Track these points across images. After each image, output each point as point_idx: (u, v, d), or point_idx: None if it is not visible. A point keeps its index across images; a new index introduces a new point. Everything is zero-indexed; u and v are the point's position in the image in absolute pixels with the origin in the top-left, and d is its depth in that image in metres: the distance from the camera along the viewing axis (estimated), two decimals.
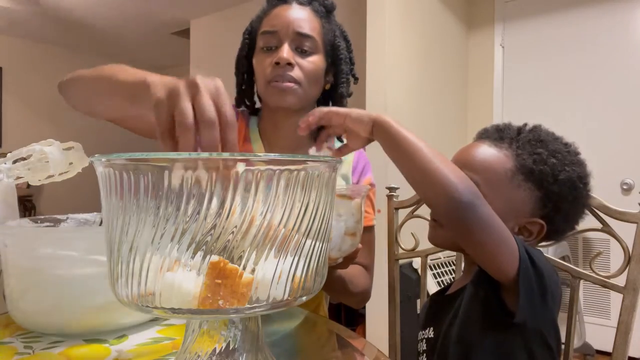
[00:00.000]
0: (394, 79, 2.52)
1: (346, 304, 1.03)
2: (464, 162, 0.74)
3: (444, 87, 2.96)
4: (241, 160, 0.39)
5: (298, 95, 0.94)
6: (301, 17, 0.93)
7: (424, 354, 0.77)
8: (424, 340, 0.78)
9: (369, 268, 1.02)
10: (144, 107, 0.59)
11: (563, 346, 0.89)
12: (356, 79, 1.05)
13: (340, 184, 1.01)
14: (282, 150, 1.01)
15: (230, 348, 0.45)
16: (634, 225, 0.80)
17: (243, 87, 1.04)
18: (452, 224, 0.64)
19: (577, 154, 0.75)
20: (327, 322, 0.77)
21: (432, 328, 0.77)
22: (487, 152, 0.73)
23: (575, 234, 0.89)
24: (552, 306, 0.66)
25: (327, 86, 1.01)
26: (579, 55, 2.76)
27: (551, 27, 2.86)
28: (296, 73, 0.92)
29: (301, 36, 0.92)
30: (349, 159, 1.03)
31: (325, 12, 0.99)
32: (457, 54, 3.10)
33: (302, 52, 0.93)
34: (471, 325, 0.69)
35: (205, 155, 0.39)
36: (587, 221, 0.87)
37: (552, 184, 0.70)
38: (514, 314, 0.63)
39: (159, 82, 0.56)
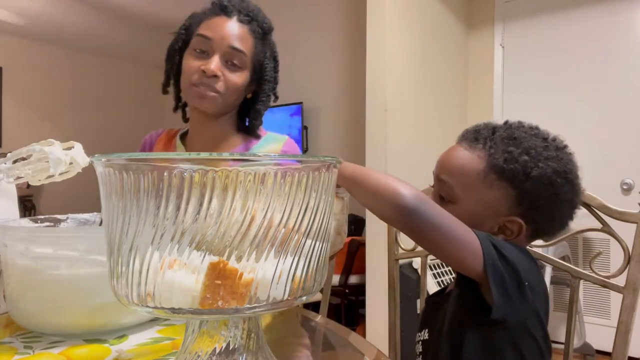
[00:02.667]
0: (393, 79, 2.52)
1: None
2: (441, 166, 0.75)
3: (444, 87, 2.96)
4: (241, 160, 0.39)
5: (216, 103, 0.99)
6: (238, 34, 0.98)
7: (420, 356, 0.78)
8: (420, 342, 0.79)
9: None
10: None
11: (562, 346, 0.89)
12: (276, 97, 1.11)
13: None
14: (203, 146, 1.07)
15: (230, 348, 0.45)
16: (634, 225, 0.80)
17: (170, 78, 1.09)
18: (404, 230, 0.65)
19: (558, 148, 0.72)
20: (299, 310, 0.78)
21: (426, 330, 0.78)
22: (461, 155, 0.73)
23: (575, 234, 0.89)
24: (532, 298, 0.65)
25: (249, 95, 1.08)
26: (579, 55, 2.76)
27: (551, 27, 2.86)
28: (220, 85, 0.98)
29: (233, 50, 0.98)
30: (277, 148, 1.10)
31: (262, 34, 1.04)
32: (457, 54, 3.10)
33: (232, 65, 0.99)
34: (457, 324, 0.69)
35: (205, 155, 0.39)
36: (587, 221, 0.86)
37: (524, 182, 0.69)
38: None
39: None
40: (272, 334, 0.66)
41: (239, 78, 1.00)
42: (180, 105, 1.12)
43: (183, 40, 1.04)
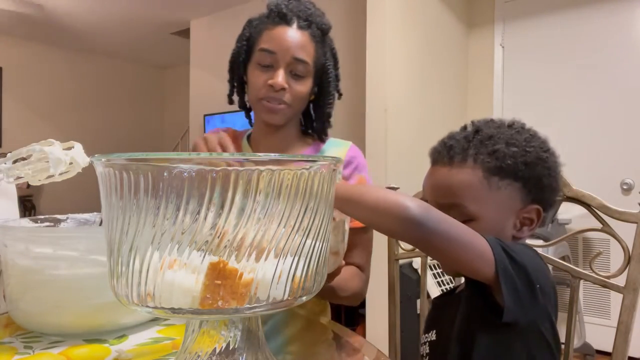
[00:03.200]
0: (393, 79, 2.52)
1: (338, 303, 1.05)
2: (438, 193, 0.74)
3: (444, 87, 2.96)
4: (241, 160, 0.39)
5: (286, 115, 1.01)
6: (300, 43, 0.98)
7: (427, 357, 0.77)
8: (427, 343, 0.78)
9: (363, 268, 1.03)
10: None
11: (563, 346, 0.89)
12: (340, 94, 1.10)
13: None
14: (271, 150, 1.06)
15: (230, 348, 0.45)
16: (634, 225, 0.80)
17: (235, 89, 1.09)
18: (412, 241, 0.64)
19: (523, 129, 0.75)
20: (331, 324, 0.78)
21: (434, 331, 0.77)
22: (452, 174, 0.73)
23: (575, 234, 0.89)
24: (543, 300, 0.65)
25: (312, 97, 1.07)
26: (579, 55, 2.76)
27: (551, 27, 2.86)
28: (287, 96, 0.99)
29: (298, 62, 0.98)
30: (342, 153, 1.08)
31: (321, 35, 1.03)
32: (457, 54, 3.09)
33: (296, 76, 0.99)
34: (469, 326, 0.69)
35: (205, 155, 0.39)
36: (587, 221, 0.86)
37: (524, 170, 0.71)
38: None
39: None
40: None
41: (304, 87, 1.01)
42: (247, 111, 1.13)
43: (246, 52, 1.04)
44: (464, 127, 0.77)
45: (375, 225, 0.65)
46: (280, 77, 0.97)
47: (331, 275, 0.80)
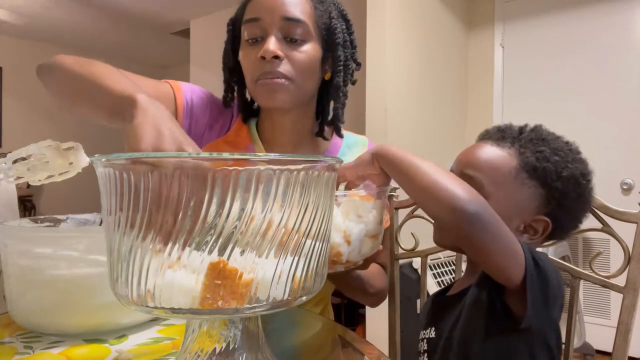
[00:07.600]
0: (393, 80, 2.52)
1: (362, 303, 0.98)
2: (467, 162, 0.74)
3: (444, 87, 2.96)
4: (241, 160, 0.39)
5: (290, 92, 0.83)
6: (288, 0, 0.81)
7: (425, 354, 0.77)
8: (425, 340, 0.78)
9: (386, 267, 1.01)
10: (123, 125, 0.61)
11: (563, 346, 0.89)
12: (358, 64, 0.92)
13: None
14: (282, 148, 0.93)
15: (230, 348, 0.45)
16: (634, 225, 0.80)
17: (231, 84, 0.93)
18: (458, 235, 0.63)
19: (578, 152, 0.75)
20: (329, 323, 0.78)
21: (433, 328, 0.77)
22: (491, 151, 0.74)
23: (575, 234, 0.89)
24: (553, 308, 0.66)
25: (327, 76, 0.90)
26: (579, 55, 2.76)
27: (551, 27, 2.86)
28: (285, 67, 0.81)
29: (289, 21, 0.80)
30: (364, 148, 0.99)
31: None
32: (457, 54, 3.09)
33: (293, 42, 0.81)
34: (474, 328, 0.68)
35: (205, 155, 0.39)
36: (587, 221, 0.86)
37: (555, 180, 0.71)
38: (518, 318, 0.63)
39: (148, 122, 0.57)
40: None
41: (306, 53, 0.82)
42: (249, 113, 0.95)
43: (233, 36, 0.88)
44: (525, 124, 0.78)
45: (423, 207, 0.65)
46: (270, 43, 0.79)
47: (367, 260, 0.75)
